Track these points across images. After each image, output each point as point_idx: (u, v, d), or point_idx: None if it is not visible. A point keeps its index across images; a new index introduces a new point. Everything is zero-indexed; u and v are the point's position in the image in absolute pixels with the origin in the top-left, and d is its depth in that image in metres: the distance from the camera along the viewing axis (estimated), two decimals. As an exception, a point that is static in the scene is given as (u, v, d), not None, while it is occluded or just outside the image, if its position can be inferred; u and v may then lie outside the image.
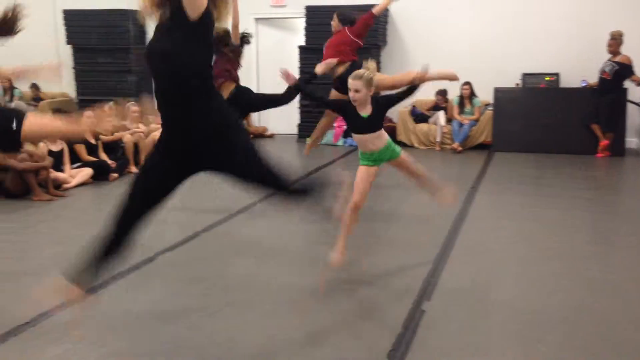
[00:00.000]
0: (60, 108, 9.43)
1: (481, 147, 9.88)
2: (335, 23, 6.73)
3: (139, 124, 8.98)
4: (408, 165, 4.39)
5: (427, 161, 9.10)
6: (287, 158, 9.65)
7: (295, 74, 6.11)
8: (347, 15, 6.73)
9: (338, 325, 3.55)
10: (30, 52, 12.16)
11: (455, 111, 10.03)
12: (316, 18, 10.38)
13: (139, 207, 3.00)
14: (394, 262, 4.62)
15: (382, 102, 4.23)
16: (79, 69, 11.92)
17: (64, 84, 12.09)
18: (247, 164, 2.84)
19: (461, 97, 10.00)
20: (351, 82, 4.07)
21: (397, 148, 4.34)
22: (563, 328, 3.50)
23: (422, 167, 4.52)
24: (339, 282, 4.17)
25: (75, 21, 11.65)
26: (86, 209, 6.67)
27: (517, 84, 9.95)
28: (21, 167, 6.66)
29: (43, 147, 7.29)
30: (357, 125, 4.18)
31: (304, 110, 10.99)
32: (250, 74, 11.17)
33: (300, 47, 10.61)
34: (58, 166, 7.35)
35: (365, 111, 4.14)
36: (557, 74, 9.75)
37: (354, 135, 4.28)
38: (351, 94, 4.08)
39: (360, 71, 4.12)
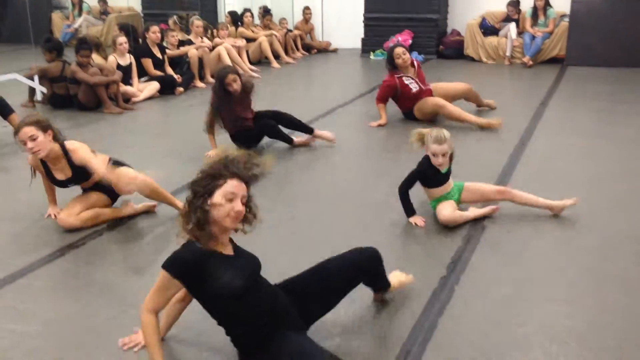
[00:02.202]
0: (127, 23, 9.55)
1: (553, 61, 9.45)
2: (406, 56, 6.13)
3: (203, 39, 9.00)
4: (477, 187, 3.94)
5: (496, 76, 8.82)
6: (350, 72, 9.54)
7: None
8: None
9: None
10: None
11: (528, 23, 9.56)
12: None
13: None
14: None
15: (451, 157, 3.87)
16: (144, -17, 11.94)
17: (130, -1, 12.17)
18: None
19: (534, 8, 9.49)
20: (437, 148, 3.66)
21: (459, 182, 3.95)
22: (635, 247, 3.43)
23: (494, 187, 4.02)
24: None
25: None
26: (154, 121, 6.85)
27: (596, -6, 9.33)
28: (93, 81, 6.85)
29: (113, 61, 7.44)
30: (437, 181, 3.82)
31: (368, 24, 10.72)
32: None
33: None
34: (127, 80, 7.52)
35: (445, 167, 3.79)
36: (641, -18, 9.08)
37: (428, 190, 3.86)
38: (438, 160, 3.69)
39: (441, 133, 3.70)
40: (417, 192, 3.88)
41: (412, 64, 6.19)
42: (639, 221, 3.77)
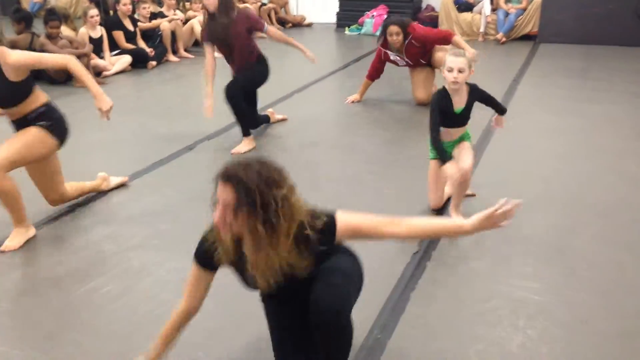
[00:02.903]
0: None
1: (527, 38, 9.52)
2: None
3: (176, 11, 8.86)
4: (462, 150, 3.54)
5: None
6: (324, 48, 9.49)
7: None
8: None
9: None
10: None
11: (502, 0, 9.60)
12: None
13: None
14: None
15: (478, 95, 3.52)
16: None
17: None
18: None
19: (508, -15, 9.52)
20: (453, 60, 3.31)
21: (470, 133, 3.64)
22: (602, 221, 3.52)
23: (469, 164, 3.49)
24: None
25: None
26: (126, 95, 6.75)
27: (570, -29, 9.38)
28: (62, 53, 6.71)
29: (84, 33, 7.29)
30: (449, 120, 3.46)
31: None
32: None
33: None
34: (97, 53, 7.38)
35: (460, 103, 3.43)
36: (613, -41, 9.14)
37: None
38: (453, 75, 3.31)
39: (460, 51, 3.49)
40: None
41: (406, 42, 5.79)
42: (605, 197, 3.86)
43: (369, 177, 4.02)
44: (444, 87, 3.46)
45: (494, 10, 9.66)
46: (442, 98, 3.42)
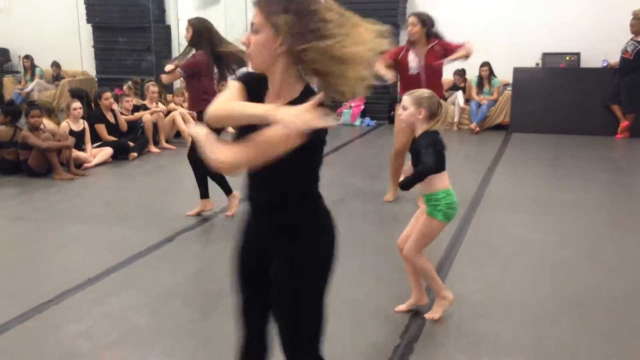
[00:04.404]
0: (80, 88, 9.55)
1: (499, 127, 9.83)
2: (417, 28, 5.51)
3: (158, 104, 9.07)
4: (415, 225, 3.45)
5: (445, 141, 9.09)
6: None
7: None
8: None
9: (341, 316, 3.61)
10: (52, 31, 12.34)
11: (474, 91, 9.98)
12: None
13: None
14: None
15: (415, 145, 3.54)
16: (99, 48, 12.03)
17: (85, 63, 12.19)
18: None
19: (480, 77, 9.93)
20: (404, 98, 3.47)
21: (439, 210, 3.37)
22: (578, 311, 3.54)
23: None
24: (338, 277, 4.22)
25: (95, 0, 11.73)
26: (106, 188, 6.79)
27: (537, 64, 9.84)
28: (44, 145, 6.78)
29: (65, 126, 7.41)
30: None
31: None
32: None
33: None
34: (79, 145, 7.47)
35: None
36: (577, 54, 9.62)
37: (437, 176, 3.38)
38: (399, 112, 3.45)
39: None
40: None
41: (431, 45, 5.50)
42: (583, 286, 3.89)
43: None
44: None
45: (467, 101, 10.03)
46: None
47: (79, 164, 7.27)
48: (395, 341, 3.20)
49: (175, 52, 12.15)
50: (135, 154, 7.97)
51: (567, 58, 9.65)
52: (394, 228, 4.44)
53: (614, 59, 9.15)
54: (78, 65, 12.38)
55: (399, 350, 3.12)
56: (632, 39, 8.83)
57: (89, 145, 7.62)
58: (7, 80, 12.73)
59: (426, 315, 3.44)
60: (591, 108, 9.26)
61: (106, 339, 3.27)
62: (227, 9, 11.60)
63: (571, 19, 9.71)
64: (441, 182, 3.35)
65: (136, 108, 8.75)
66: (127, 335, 3.31)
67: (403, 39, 10.49)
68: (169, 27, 12.04)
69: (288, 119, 1.69)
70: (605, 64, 9.33)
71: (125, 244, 4.74)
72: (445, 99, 10.15)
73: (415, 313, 3.49)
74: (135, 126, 8.47)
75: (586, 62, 9.62)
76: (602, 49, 9.37)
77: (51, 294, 3.79)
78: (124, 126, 8.23)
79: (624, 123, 8.98)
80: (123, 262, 4.34)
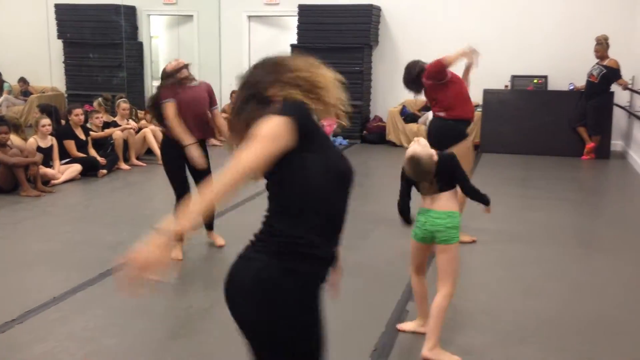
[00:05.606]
0: (49, 104, 9.42)
1: (470, 148, 9.94)
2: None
3: (129, 121, 8.98)
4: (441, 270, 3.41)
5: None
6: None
7: None
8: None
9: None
10: (21, 46, 12.19)
11: (445, 112, 10.09)
12: (309, 17, 10.40)
13: None
14: (381, 258, 4.67)
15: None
16: (69, 64, 11.89)
17: (54, 79, 12.06)
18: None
19: (450, 98, 10.05)
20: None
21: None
22: (546, 330, 3.57)
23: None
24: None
25: (66, 15, 11.63)
26: (74, 205, 6.67)
27: (506, 86, 10.02)
28: (12, 161, 6.65)
29: (33, 142, 7.28)
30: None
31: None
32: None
33: (292, 46, 10.63)
34: (47, 162, 7.35)
35: None
36: (545, 77, 9.84)
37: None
38: None
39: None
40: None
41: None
42: (550, 304, 3.93)
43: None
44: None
45: (438, 121, 10.12)
46: None
47: (47, 181, 7.15)
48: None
49: (147, 69, 12.10)
50: (104, 171, 7.86)
51: (535, 81, 9.86)
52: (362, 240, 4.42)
53: (581, 82, 9.36)
54: (48, 80, 12.25)
55: (370, 369, 3.10)
56: (597, 63, 9.04)
57: (56, 162, 7.50)
58: (-26, 95, 12.49)
59: (398, 326, 3.53)
60: (558, 129, 9.44)
61: (71, 359, 3.19)
62: (199, 27, 11.62)
63: (539, 43, 9.94)
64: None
65: (107, 125, 8.65)
66: (94, 355, 3.24)
67: (376, 58, 10.70)
68: (141, 44, 11.98)
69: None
70: (571, 87, 9.55)
71: (93, 261, 4.66)
72: (417, 120, 10.28)
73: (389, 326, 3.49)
74: (105, 143, 8.36)
75: (553, 84, 9.84)
76: (569, 72, 9.60)
77: (15, 313, 3.69)
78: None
79: (590, 145, 9.17)
80: (90, 281, 4.26)
